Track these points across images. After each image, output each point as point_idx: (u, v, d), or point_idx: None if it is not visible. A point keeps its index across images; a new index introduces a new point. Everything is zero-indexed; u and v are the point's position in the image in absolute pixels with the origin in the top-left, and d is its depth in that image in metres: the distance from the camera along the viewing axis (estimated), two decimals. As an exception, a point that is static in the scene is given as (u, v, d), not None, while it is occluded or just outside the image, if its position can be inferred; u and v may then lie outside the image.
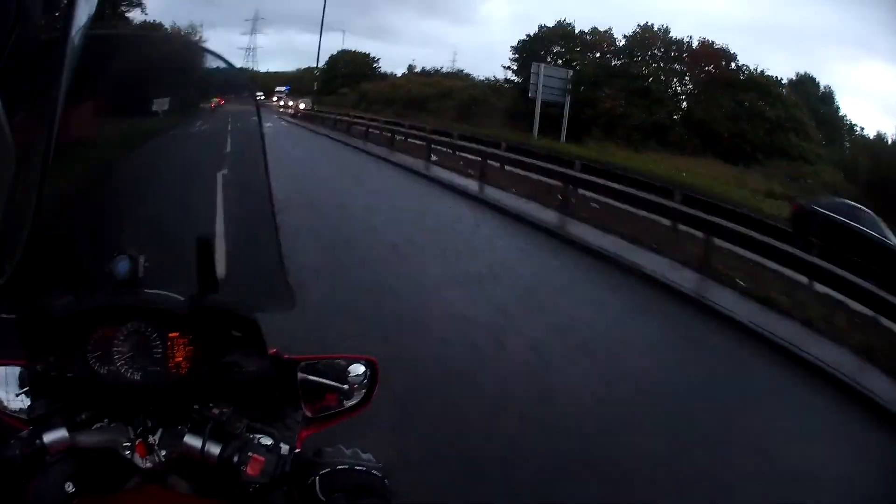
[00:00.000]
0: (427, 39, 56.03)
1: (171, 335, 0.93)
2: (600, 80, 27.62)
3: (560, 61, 29.57)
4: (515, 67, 31.82)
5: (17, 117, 0.52)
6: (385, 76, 43.45)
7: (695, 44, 26.91)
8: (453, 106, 32.41)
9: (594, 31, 30.15)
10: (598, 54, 29.83)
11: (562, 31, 30.80)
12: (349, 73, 43.19)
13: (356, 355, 1.03)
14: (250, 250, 1.17)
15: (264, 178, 1.05)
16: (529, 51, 31.06)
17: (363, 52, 45.11)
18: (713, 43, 26.17)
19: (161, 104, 1.21)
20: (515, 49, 31.64)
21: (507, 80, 32.62)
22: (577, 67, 28.90)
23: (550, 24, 31.00)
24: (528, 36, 31.41)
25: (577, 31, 30.46)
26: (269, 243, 1.06)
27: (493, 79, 33.51)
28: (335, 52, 46.74)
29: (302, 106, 35.63)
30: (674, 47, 27.75)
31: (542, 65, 27.37)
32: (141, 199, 1.30)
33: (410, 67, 41.54)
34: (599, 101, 27.04)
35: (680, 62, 27.59)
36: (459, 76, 36.31)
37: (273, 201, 1.05)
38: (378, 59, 44.59)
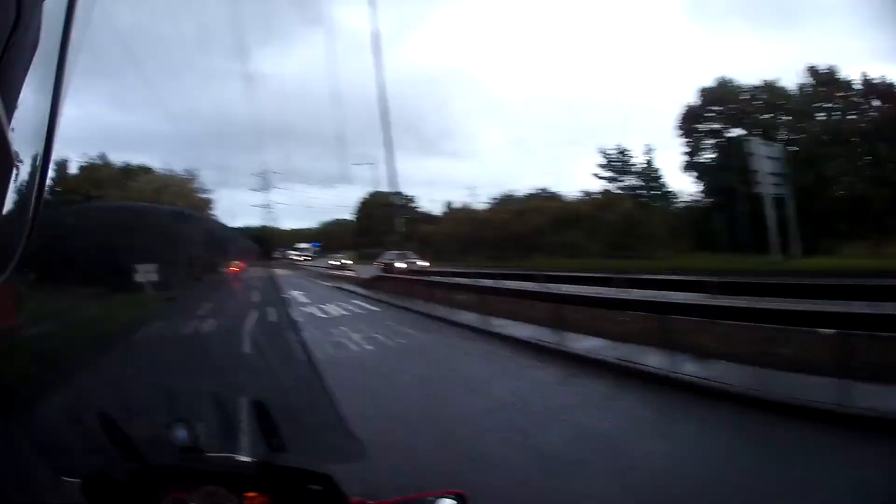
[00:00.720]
0: (432, 179, 57.25)
1: (247, 495, 0.93)
2: (821, 153, 19.00)
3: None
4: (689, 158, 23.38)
5: (16, 117, 0.52)
6: (429, 216, 39.46)
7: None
8: (580, 233, 24.21)
9: (768, 85, 21.81)
10: (787, 116, 21.58)
11: (721, 92, 22.89)
12: (384, 217, 38.42)
13: (443, 491, 1.01)
14: (308, 408, 1.23)
15: (297, 337, 1.11)
16: (690, 129, 23.32)
17: (396, 191, 40.66)
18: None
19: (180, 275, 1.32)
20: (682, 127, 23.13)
21: (629, 189, 25.91)
22: (786, 137, 20.41)
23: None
24: (686, 107, 23.28)
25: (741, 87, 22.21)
26: (323, 399, 1.14)
27: (586, 193, 26.54)
28: (365, 196, 45.22)
29: (402, 265, 23.37)
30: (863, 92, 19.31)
31: (756, 141, 18.58)
32: (192, 367, 1.44)
33: (449, 204, 37.46)
34: (830, 182, 18.49)
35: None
36: (545, 196, 29.04)
37: (311, 357, 1.13)
38: (413, 199, 40.84)
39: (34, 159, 0.59)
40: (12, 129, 0.51)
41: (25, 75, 0.52)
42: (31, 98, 0.56)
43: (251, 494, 0.93)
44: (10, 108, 0.51)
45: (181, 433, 0.95)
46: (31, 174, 0.59)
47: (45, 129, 0.59)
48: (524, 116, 52.34)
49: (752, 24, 32.75)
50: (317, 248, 44.42)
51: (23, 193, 0.59)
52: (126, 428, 0.95)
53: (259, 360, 1.56)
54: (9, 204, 0.55)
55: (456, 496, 1.01)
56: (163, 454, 0.96)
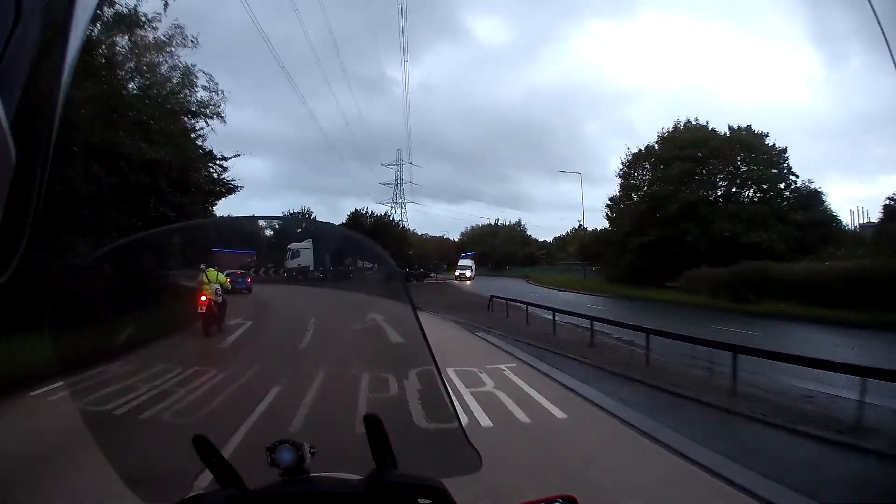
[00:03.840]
0: (561, 200, 57.96)
1: None
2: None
3: None
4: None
5: (17, 117, 0.52)
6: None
7: None
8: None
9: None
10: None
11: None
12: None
13: (555, 496, 0.98)
14: (425, 420, 1.19)
15: (427, 350, 1.07)
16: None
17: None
18: None
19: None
20: None
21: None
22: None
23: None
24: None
25: None
26: (443, 409, 1.09)
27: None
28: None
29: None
30: None
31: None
32: (301, 388, 1.39)
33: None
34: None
35: None
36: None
37: (438, 366, 1.07)
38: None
39: (34, 159, 0.59)
40: (12, 129, 0.51)
41: (25, 75, 0.52)
42: (31, 97, 0.56)
43: None
44: (10, 107, 0.51)
45: (285, 455, 0.91)
46: (32, 174, 0.59)
47: (46, 128, 0.59)
48: (653, 139, 52.62)
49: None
50: (470, 256, 42.17)
51: (23, 193, 0.59)
52: (224, 451, 0.92)
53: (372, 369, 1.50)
54: (9, 204, 0.54)
55: (568, 500, 0.99)
56: (264, 478, 0.93)
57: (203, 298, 6.52)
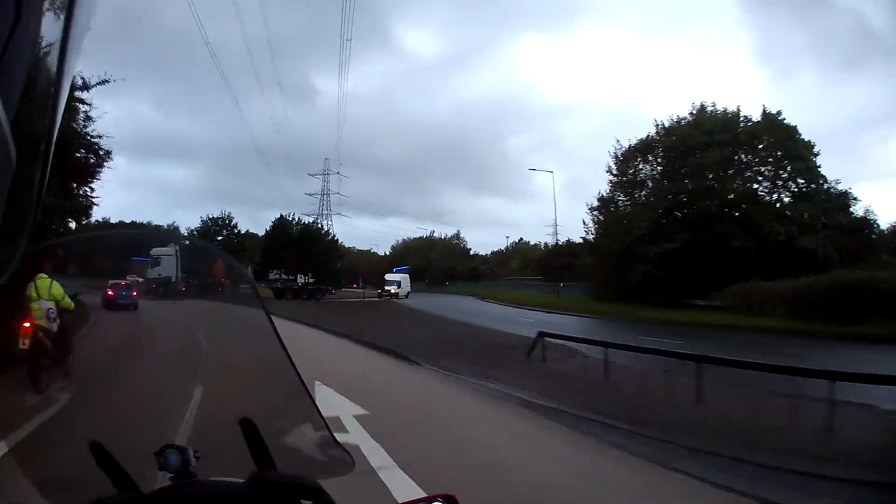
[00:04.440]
0: (483, 217, 57.23)
1: None
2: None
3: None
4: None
5: (17, 117, 0.52)
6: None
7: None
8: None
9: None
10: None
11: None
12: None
13: (435, 495, 1.04)
14: (297, 423, 1.24)
15: (284, 355, 1.14)
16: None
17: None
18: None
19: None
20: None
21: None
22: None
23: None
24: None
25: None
26: (311, 413, 1.15)
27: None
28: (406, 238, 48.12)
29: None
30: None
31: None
32: (180, 391, 1.46)
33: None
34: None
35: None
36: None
37: (299, 373, 1.13)
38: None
39: (34, 159, 0.59)
40: (12, 129, 0.51)
41: (25, 75, 0.52)
42: (31, 98, 0.56)
43: None
44: (10, 107, 0.51)
45: (172, 459, 0.94)
46: (32, 174, 0.59)
47: (46, 128, 0.59)
48: (581, 157, 52.70)
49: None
50: (406, 271, 38.49)
51: (23, 193, 0.59)
52: (117, 456, 0.95)
53: (243, 376, 1.58)
54: (9, 204, 0.54)
55: (446, 499, 1.02)
56: (154, 482, 0.96)
57: (27, 325, 3.27)
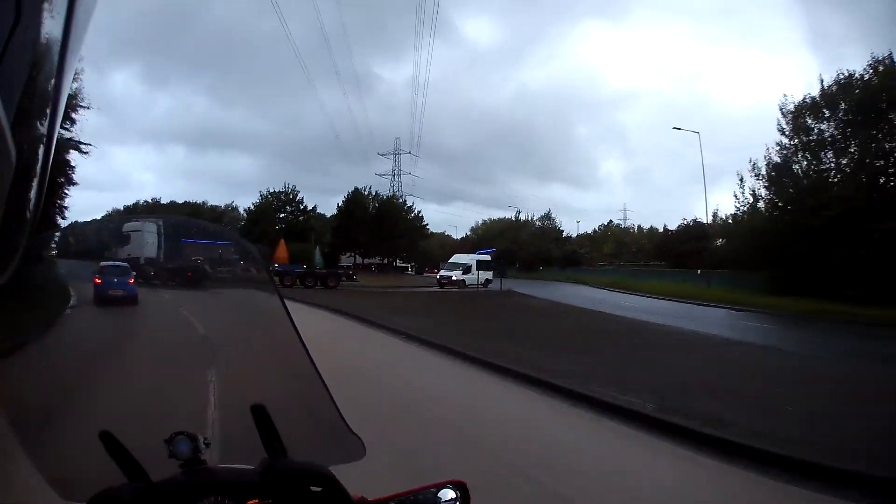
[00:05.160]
0: (552, 203, 57.21)
1: (250, 503, 0.94)
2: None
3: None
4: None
5: (17, 117, 0.52)
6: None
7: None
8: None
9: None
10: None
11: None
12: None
13: (443, 481, 1.03)
14: (309, 410, 1.24)
15: (297, 341, 1.13)
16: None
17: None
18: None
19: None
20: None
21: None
22: None
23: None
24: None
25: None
26: (323, 400, 1.14)
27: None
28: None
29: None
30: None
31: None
32: (189, 380, 1.46)
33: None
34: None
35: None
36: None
37: (313, 360, 1.13)
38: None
39: (34, 159, 0.59)
40: (12, 129, 0.51)
41: (25, 75, 0.52)
42: (31, 98, 0.56)
43: (253, 502, 0.94)
44: (10, 108, 0.51)
45: (182, 446, 0.94)
46: (32, 174, 0.59)
47: (46, 128, 0.59)
48: (646, 148, 52.82)
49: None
50: (491, 253, 31.56)
51: (23, 194, 0.59)
52: (127, 446, 0.95)
53: (255, 363, 1.57)
54: (9, 204, 0.54)
55: (457, 485, 1.02)
56: (164, 470, 0.96)
57: None
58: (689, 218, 39.71)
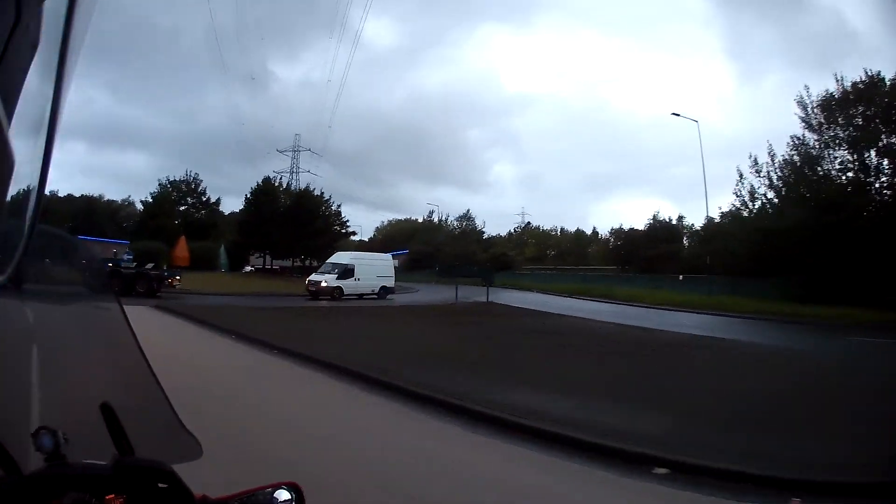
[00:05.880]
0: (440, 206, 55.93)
1: (107, 498, 0.99)
2: None
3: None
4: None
5: (16, 118, 0.52)
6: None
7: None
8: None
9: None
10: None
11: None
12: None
13: (277, 482, 1.07)
14: (147, 411, 1.31)
15: (133, 342, 1.21)
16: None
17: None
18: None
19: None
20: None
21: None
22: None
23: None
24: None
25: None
26: (160, 402, 1.23)
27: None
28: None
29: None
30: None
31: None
32: (50, 372, 1.54)
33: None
34: None
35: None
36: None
37: (149, 363, 1.20)
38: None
39: (34, 159, 0.59)
40: (12, 129, 0.51)
41: (25, 75, 0.52)
42: (31, 98, 0.56)
43: (110, 497, 0.98)
44: (10, 107, 0.51)
45: (46, 440, 0.97)
46: (32, 174, 0.59)
47: (46, 128, 0.59)
48: (538, 153, 52.85)
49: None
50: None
51: (23, 193, 0.59)
52: (3, 439, 0.98)
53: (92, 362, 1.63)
54: (9, 204, 0.55)
55: (290, 487, 1.07)
56: (30, 464, 0.99)
57: None
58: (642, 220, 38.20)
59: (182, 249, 28.90)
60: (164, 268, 22.50)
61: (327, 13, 59.20)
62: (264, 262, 36.82)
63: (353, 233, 37.84)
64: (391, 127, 51.34)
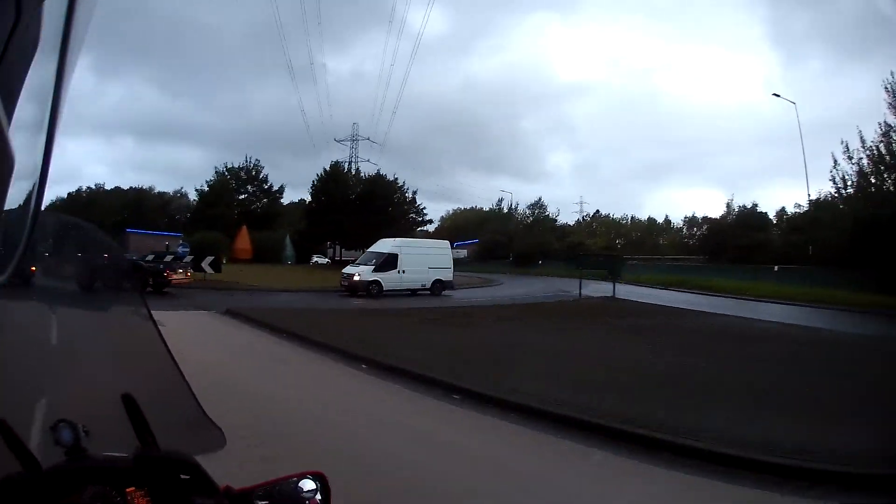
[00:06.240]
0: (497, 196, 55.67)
1: (128, 490, 0.98)
2: None
3: None
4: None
5: (16, 117, 0.52)
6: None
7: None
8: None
9: None
10: None
11: None
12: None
13: (303, 472, 1.07)
14: (170, 403, 1.31)
15: (156, 333, 1.20)
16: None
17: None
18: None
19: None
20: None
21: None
22: None
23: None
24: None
25: None
26: (184, 393, 1.22)
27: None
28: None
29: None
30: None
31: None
32: (69, 366, 1.54)
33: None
34: None
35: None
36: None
37: (173, 355, 1.19)
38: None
39: (34, 159, 0.59)
40: (12, 129, 0.51)
41: (25, 75, 0.52)
42: (31, 97, 0.56)
43: (130, 489, 0.97)
44: (10, 107, 0.51)
45: (66, 434, 0.97)
46: (32, 174, 0.59)
47: (46, 128, 0.59)
48: (592, 141, 52.77)
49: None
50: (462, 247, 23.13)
51: (23, 194, 0.59)
52: (21, 434, 0.97)
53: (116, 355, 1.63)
54: (9, 204, 0.55)
55: (315, 476, 1.06)
56: (50, 457, 0.98)
57: None
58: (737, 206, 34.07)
59: (244, 241, 27.00)
60: (165, 259, 20.09)
61: (378, 4, 58.94)
62: (334, 252, 33.46)
63: (430, 220, 35.19)
64: (446, 117, 51.43)
